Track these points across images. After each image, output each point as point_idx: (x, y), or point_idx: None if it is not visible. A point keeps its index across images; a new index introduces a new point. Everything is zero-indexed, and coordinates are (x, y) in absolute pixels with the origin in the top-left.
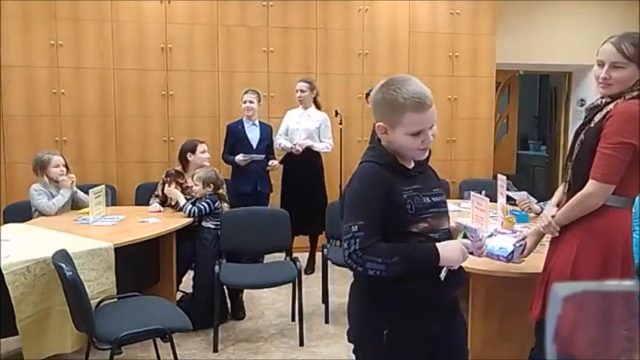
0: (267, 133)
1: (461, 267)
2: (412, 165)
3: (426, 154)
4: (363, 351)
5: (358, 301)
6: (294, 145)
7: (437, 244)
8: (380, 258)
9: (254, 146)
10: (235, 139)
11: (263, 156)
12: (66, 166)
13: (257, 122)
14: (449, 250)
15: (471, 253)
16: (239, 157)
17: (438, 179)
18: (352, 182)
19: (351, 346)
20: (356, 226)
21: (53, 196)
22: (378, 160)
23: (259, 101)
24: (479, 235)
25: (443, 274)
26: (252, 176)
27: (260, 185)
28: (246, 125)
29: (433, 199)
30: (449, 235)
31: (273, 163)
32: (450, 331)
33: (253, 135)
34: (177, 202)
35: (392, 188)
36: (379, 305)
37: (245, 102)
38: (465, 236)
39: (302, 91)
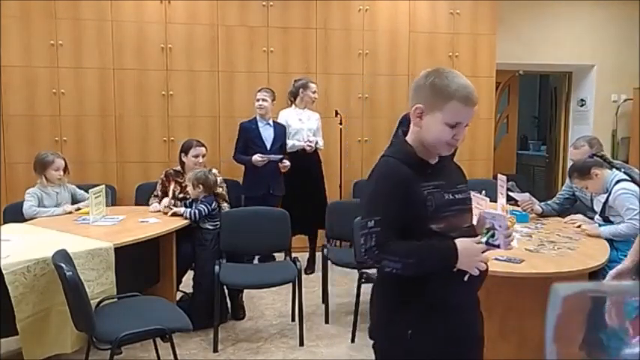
0: (281, 133)
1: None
2: (436, 160)
3: (452, 150)
4: (386, 352)
5: (381, 304)
6: (306, 142)
7: (457, 246)
8: (397, 257)
9: (268, 146)
10: (248, 138)
11: (281, 156)
12: (65, 168)
13: (271, 122)
14: (467, 256)
15: (498, 246)
16: (256, 157)
17: (463, 176)
18: (370, 177)
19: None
20: (372, 222)
21: (47, 195)
22: (397, 155)
23: (273, 100)
24: (506, 224)
25: (467, 277)
26: (266, 178)
27: (272, 187)
28: (260, 124)
29: (456, 195)
30: (472, 232)
31: (285, 163)
32: (472, 330)
33: (267, 134)
34: (178, 203)
35: (411, 184)
36: (402, 308)
37: (258, 100)
38: (492, 235)
39: (314, 92)
